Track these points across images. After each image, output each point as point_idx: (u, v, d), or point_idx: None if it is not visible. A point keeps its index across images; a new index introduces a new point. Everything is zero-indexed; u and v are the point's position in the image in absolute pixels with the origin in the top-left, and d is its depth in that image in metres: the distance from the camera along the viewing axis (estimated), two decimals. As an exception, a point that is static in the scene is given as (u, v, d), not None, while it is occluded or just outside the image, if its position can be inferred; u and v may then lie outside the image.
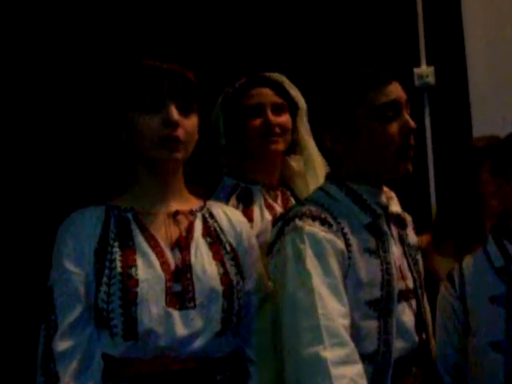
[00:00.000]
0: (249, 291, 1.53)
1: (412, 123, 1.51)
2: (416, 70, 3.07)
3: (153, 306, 1.40)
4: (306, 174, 1.95)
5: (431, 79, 3.07)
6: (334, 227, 1.45)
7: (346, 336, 1.35)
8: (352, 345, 1.35)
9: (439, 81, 3.06)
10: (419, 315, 1.57)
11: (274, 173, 1.97)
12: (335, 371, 1.29)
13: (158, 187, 1.51)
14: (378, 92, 1.50)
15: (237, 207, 1.84)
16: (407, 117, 1.52)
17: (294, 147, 1.99)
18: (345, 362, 1.32)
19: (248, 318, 1.52)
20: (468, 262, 1.69)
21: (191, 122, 1.48)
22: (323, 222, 1.45)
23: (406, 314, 1.52)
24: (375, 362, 1.45)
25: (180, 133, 1.45)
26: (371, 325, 1.46)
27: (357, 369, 1.33)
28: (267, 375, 1.49)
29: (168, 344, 1.40)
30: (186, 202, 1.55)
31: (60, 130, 2.60)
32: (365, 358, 1.43)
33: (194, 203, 1.56)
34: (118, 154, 1.53)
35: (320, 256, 1.41)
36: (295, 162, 1.99)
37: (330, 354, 1.31)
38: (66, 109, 2.61)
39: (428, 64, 3.08)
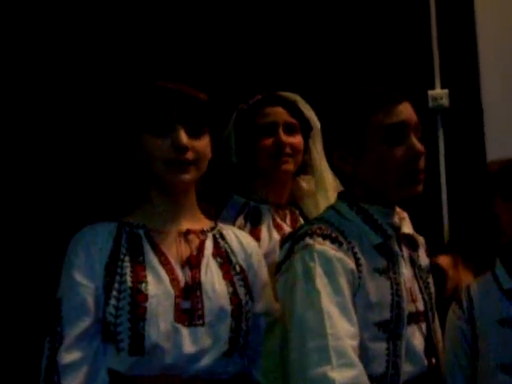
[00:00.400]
0: (258, 313, 1.53)
1: (419, 147, 1.48)
2: (430, 93, 3.08)
3: (161, 322, 1.40)
4: (317, 194, 1.94)
5: (445, 101, 3.07)
6: (345, 246, 1.45)
7: (355, 357, 1.33)
8: (361, 366, 1.33)
9: (453, 103, 3.06)
10: (429, 338, 1.55)
11: (283, 192, 1.97)
12: None
13: (170, 206, 1.52)
14: (387, 112, 1.48)
15: (244, 226, 1.85)
16: (415, 140, 1.49)
17: (306, 168, 1.99)
18: (353, 383, 1.30)
19: (256, 340, 1.51)
20: (476, 284, 1.68)
21: (202, 144, 1.50)
22: (334, 241, 1.44)
23: (415, 337, 1.50)
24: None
25: (189, 155, 1.47)
26: (380, 346, 1.44)
27: None
28: None
29: (174, 361, 1.40)
30: (197, 222, 1.56)
31: (76, 148, 2.62)
32: (373, 380, 1.41)
33: (205, 223, 1.58)
34: (131, 174, 1.55)
35: (330, 275, 1.40)
36: (306, 182, 1.99)
37: (337, 374, 1.29)
38: (83, 126, 2.63)
39: (442, 87, 3.09)
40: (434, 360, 1.55)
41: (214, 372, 1.42)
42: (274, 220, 1.91)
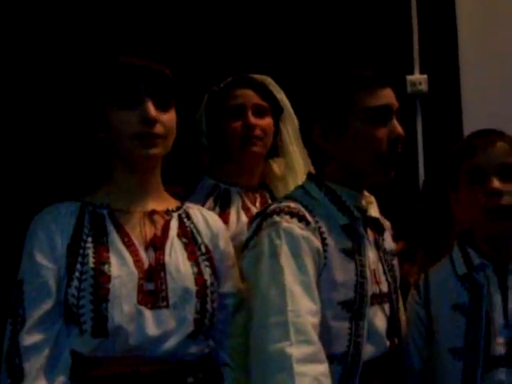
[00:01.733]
0: (224, 294, 1.53)
1: (401, 131, 1.52)
2: (409, 78, 3.10)
3: (124, 304, 1.39)
4: (287, 177, 1.96)
5: (424, 87, 3.09)
6: (312, 225, 1.47)
7: (314, 334, 1.35)
8: (319, 344, 1.35)
9: (432, 89, 3.09)
10: (392, 320, 1.58)
11: (253, 175, 1.98)
12: (299, 368, 1.29)
13: (135, 185, 1.51)
14: (371, 94, 1.51)
15: (214, 209, 1.85)
16: (397, 124, 1.53)
17: (277, 150, 2.00)
18: (310, 360, 1.32)
19: (223, 320, 1.52)
20: (434, 269, 1.71)
21: (169, 117, 1.49)
22: (301, 219, 1.46)
23: (378, 318, 1.53)
24: (344, 363, 1.46)
25: (158, 129, 1.46)
26: (342, 326, 1.47)
27: (322, 367, 1.33)
28: (242, 379, 1.47)
29: (138, 343, 1.40)
30: (162, 202, 1.55)
31: (36, 125, 2.57)
32: (334, 358, 1.44)
33: (171, 203, 1.57)
34: (95, 151, 1.53)
35: (295, 253, 1.42)
36: (277, 165, 2.00)
37: (295, 350, 1.31)
38: (42, 104, 2.58)
39: (421, 72, 3.11)
40: (396, 341, 1.58)
41: (179, 354, 1.43)
42: (243, 203, 1.92)
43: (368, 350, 1.49)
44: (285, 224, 1.44)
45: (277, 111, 1.97)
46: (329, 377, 1.34)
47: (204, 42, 2.76)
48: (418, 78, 3.11)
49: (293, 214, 1.46)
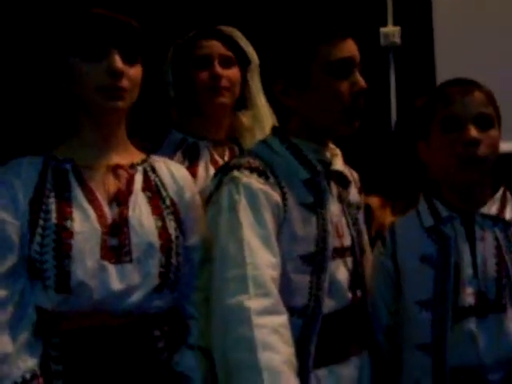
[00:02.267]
0: (190, 247, 1.53)
1: (363, 83, 1.51)
2: (382, 30, 3.07)
3: (87, 259, 1.39)
4: (255, 129, 1.94)
5: (397, 39, 3.07)
6: (272, 180, 1.46)
7: (272, 287, 1.35)
8: (277, 296, 1.36)
9: (405, 41, 3.07)
10: (355, 273, 1.58)
11: (221, 128, 1.96)
12: (257, 320, 1.30)
13: (100, 139, 1.49)
14: (332, 47, 1.49)
15: (182, 163, 1.83)
16: (359, 77, 1.51)
17: (245, 102, 1.97)
18: (269, 312, 1.32)
19: (189, 274, 1.52)
20: (400, 221, 1.70)
21: (135, 72, 1.47)
22: (261, 174, 1.46)
23: (340, 271, 1.53)
24: (305, 315, 1.46)
25: (124, 82, 1.44)
26: (303, 279, 1.47)
27: (280, 319, 1.34)
28: (208, 331, 1.46)
29: (102, 298, 1.40)
30: (127, 156, 1.54)
31: None
32: (294, 311, 1.45)
33: (136, 156, 1.56)
34: (57, 103, 1.50)
35: (254, 207, 1.42)
36: (246, 118, 1.98)
37: (254, 303, 1.32)
38: (4, 52, 2.52)
39: (394, 24, 3.08)
40: (358, 294, 1.58)
41: (144, 307, 1.43)
42: (211, 156, 1.90)
43: (329, 303, 1.49)
44: (244, 179, 1.44)
45: (244, 63, 1.94)
46: (288, 328, 1.35)
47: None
48: (391, 30, 3.08)
49: (252, 169, 1.46)
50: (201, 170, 1.85)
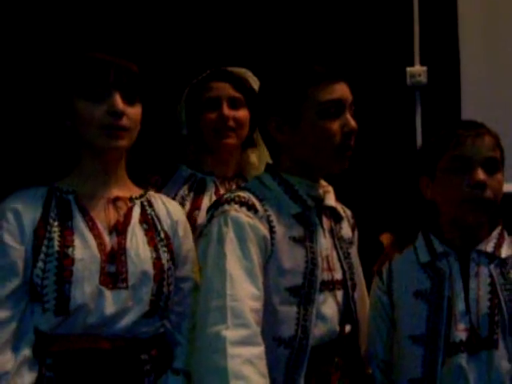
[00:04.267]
0: (181, 278, 1.61)
1: (354, 124, 1.56)
2: (409, 69, 3.10)
3: (86, 284, 1.48)
4: (260, 166, 2.00)
5: (423, 79, 3.10)
6: (260, 214, 1.52)
7: (251, 318, 1.40)
8: (255, 327, 1.40)
9: (431, 80, 3.09)
10: (346, 306, 1.62)
11: (229, 165, 2.04)
12: (232, 350, 1.35)
13: (101, 173, 1.59)
14: (323, 89, 1.56)
15: (188, 195, 1.93)
16: (349, 117, 1.57)
17: (253, 141, 2.06)
18: (244, 342, 1.37)
19: (179, 303, 1.61)
20: (398, 257, 1.73)
21: (135, 111, 1.57)
22: (250, 208, 1.51)
23: (328, 304, 1.57)
24: (292, 347, 1.50)
25: (124, 121, 1.53)
26: (290, 310, 1.51)
27: (256, 350, 1.38)
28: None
29: (97, 321, 1.48)
30: (126, 189, 1.63)
31: (5, 114, 2.60)
32: (282, 342, 1.50)
33: (134, 191, 1.65)
34: (61, 140, 1.60)
35: (241, 240, 1.47)
36: (253, 155, 2.06)
37: (230, 333, 1.36)
38: (11, 92, 2.61)
39: (421, 64, 3.11)
40: (347, 328, 1.61)
41: (134, 332, 1.52)
42: (216, 189, 1.98)
43: (317, 335, 1.53)
44: (233, 212, 1.50)
45: (254, 103, 1.99)
46: (263, 359, 1.39)
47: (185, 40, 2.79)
48: (417, 70, 3.11)
49: (242, 203, 1.52)
50: (205, 201, 1.93)
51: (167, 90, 2.35)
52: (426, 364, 1.57)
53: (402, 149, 2.95)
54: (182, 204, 1.92)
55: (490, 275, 1.60)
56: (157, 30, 2.74)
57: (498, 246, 1.64)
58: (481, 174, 1.58)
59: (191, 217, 1.89)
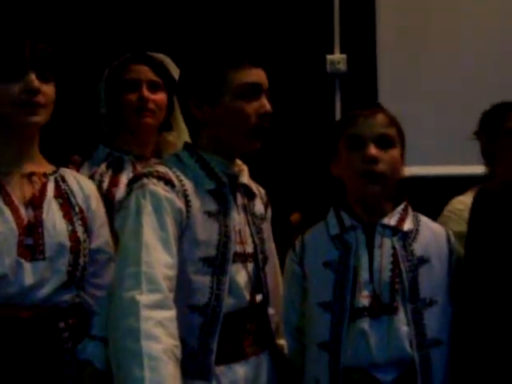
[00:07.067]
0: (96, 250, 1.68)
1: (269, 107, 1.65)
2: (329, 57, 3.21)
3: (5, 257, 1.54)
4: (178, 146, 2.06)
5: (343, 66, 3.21)
6: (177, 188, 1.58)
7: (164, 284, 1.46)
8: (168, 293, 1.46)
9: (351, 68, 3.20)
10: (257, 278, 1.70)
11: (146, 145, 2.12)
12: (145, 313, 1.41)
13: (16, 150, 1.64)
14: (241, 72, 1.63)
15: (106, 173, 1.99)
16: (265, 100, 1.65)
17: (170, 125, 2.14)
18: (157, 306, 1.43)
19: (94, 274, 1.68)
20: (310, 231, 1.83)
21: (50, 89, 1.62)
22: (167, 183, 1.57)
23: (240, 275, 1.64)
24: (205, 314, 1.57)
25: (40, 98, 1.59)
26: (204, 279, 1.58)
27: (167, 314, 1.45)
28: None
29: (17, 291, 1.54)
30: (40, 165, 1.69)
31: None
32: (196, 309, 1.57)
33: (48, 167, 1.71)
34: None
35: (157, 212, 1.53)
36: (171, 136, 2.14)
37: (144, 298, 1.43)
38: None
39: (341, 52, 3.22)
40: (258, 297, 1.70)
41: (53, 301, 1.58)
42: (134, 168, 2.04)
43: (229, 303, 1.60)
44: (151, 186, 1.56)
45: (171, 88, 2.07)
46: (174, 322, 1.46)
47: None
48: (337, 58, 3.22)
49: (160, 178, 1.57)
50: (123, 179, 1.98)
51: (85, 70, 2.39)
52: (333, 328, 1.66)
53: (322, 135, 3.06)
54: (101, 181, 1.98)
55: (393, 247, 1.70)
56: (79, 12, 2.77)
57: (401, 220, 1.74)
58: (373, 150, 1.68)
59: (109, 193, 1.96)
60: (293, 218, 2.18)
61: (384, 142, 1.70)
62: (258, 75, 1.65)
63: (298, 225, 2.22)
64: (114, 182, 1.93)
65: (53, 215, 1.61)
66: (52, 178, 1.68)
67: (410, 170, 2.36)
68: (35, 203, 1.61)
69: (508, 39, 3.07)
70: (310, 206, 2.32)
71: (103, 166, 2.02)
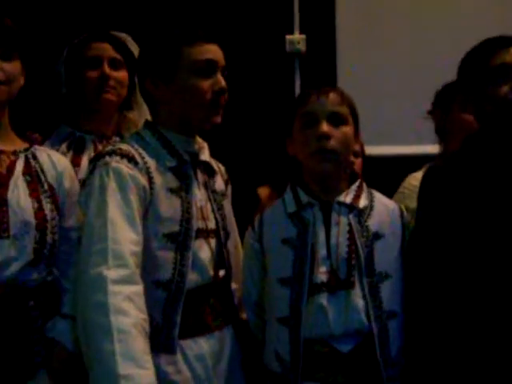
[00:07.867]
0: (68, 228, 1.71)
1: (224, 84, 1.68)
2: (288, 37, 3.23)
3: None
4: (139, 124, 2.08)
5: (302, 46, 3.24)
6: (140, 165, 1.61)
7: (130, 259, 1.50)
8: (134, 268, 1.50)
9: (310, 48, 3.23)
10: (219, 253, 1.74)
11: (108, 124, 2.13)
12: (113, 288, 1.44)
13: None
14: (196, 48, 1.66)
15: (66, 153, 2.00)
16: (221, 77, 1.68)
17: (131, 104, 2.15)
18: (124, 281, 1.47)
19: (67, 252, 1.70)
20: (268, 208, 1.87)
21: (12, 66, 1.63)
22: (130, 160, 1.60)
23: (202, 251, 1.69)
24: (169, 289, 1.61)
25: (1, 76, 1.60)
26: (168, 255, 1.62)
27: (135, 288, 1.48)
28: None
29: None
30: (10, 144, 1.70)
31: None
32: (160, 284, 1.61)
33: (19, 145, 1.72)
34: None
35: (122, 189, 1.56)
36: (132, 115, 2.15)
37: (111, 273, 1.46)
38: None
39: (301, 32, 3.25)
40: (221, 273, 1.75)
41: (21, 279, 1.60)
42: (96, 149, 2.06)
43: (192, 279, 1.65)
44: (114, 164, 1.58)
45: (132, 67, 2.08)
46: (142, 296, 1.50)
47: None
48: (297, 38, 3.24)
49: (123, 156, 1.60)
50: (84, 160, 2.00)
51: (45, 48, 2.39)
52: (293, 304, 1.71)
53: (281, 114, 3.10)
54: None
55: (349, 224, 1.76)
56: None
57: (357, 197, 1.80)
58: (324, 127, 1.72)
59: (71, 174, 1.96)
60: (261, 191, 2.21)
61: (336, 120, 1.74)
62: (213, 52, 1.68)
63: (268, 198, 2.26)
64: (76, 163, 1.94)
65: (18, 193, 1.62)
66: (22, 156, 1.69)
67: (367, 150, 2.44)
68: (1, 181, 1.62)
69: (467, 23, 3.13)
70: (273, 181, 2.36)
71: (64, 147, 2.03)
